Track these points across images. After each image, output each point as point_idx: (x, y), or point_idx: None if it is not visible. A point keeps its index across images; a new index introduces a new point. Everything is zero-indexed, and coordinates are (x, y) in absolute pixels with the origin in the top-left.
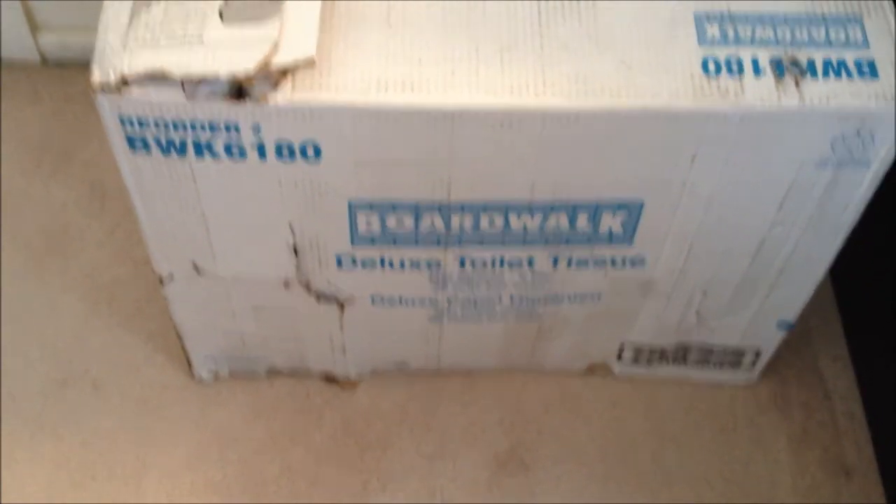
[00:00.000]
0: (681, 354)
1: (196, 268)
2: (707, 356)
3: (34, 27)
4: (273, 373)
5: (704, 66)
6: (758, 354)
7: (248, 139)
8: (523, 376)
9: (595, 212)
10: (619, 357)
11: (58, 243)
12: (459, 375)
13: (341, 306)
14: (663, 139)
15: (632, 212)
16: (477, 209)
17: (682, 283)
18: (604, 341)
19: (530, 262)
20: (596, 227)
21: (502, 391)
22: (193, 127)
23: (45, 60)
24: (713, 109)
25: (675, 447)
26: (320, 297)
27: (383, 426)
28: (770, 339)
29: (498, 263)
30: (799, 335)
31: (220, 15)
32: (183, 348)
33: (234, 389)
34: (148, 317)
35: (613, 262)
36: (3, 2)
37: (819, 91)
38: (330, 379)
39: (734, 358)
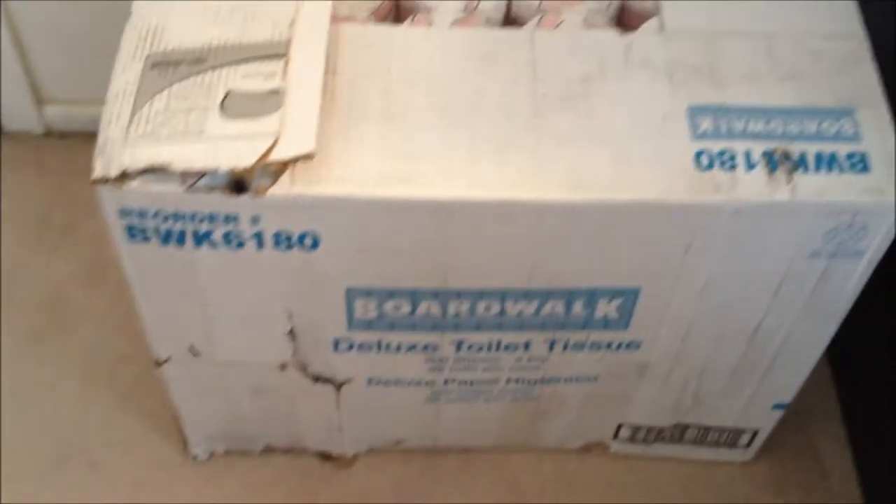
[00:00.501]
0: (678, 434)
1: (193, 351)
2: (704, 435)
3: (39, 99)
4: (269, 450)
5: (697, 159)
6: (755, 434)
7: (246, 230)
8: (520, 455)
9: (591, 298)
10: (616, 436)
11: (58, 318)
12: (457, 453)
13: (338, 388)
14: (658, 231)
15: (628, 298)
16: (474, 296)
17: (678, 366)
18: (601, 421)
19: (527, 346)
20: (592, 312)
21: (499, 470)
22: (193, 218)
23: (49, 132)
24: (706, 203)
25: None
26: (317, 379)
27: None
28: (766, 420)
29: (494, 347)
30: (796, 413)
31: (222, 108)
32: (179, 427)
33: (230, 467)
34: (146, 393)
35: (609, 346)
36: (8, 74)
37: (811, 185)
38: (326, 457)
39: (731, 437)
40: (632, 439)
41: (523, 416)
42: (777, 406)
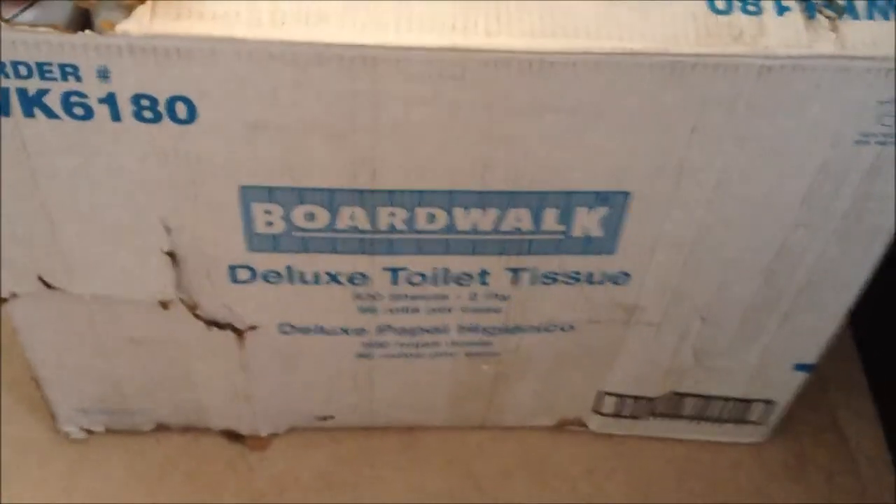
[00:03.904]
0: (673, 406)
1: (44, 283)
2: (705, 408)
3: None
4: (162, 429)
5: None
6: (769, 406)
7: (93, 89)
8: (478, 434)
9: (567, 206)
10: (597, 410)
11: None
12: (398, 432)
13: (241, 337)
14: (655, 100)
15: (614, 207)
16: (411, 201)
17: (676, 307)
18: (577, 388)
19: (483, 277)
20: (568, 227)
21: (452, 453)
22: (17, 70)
23: None
24: (722, 56)
25: None
26: (212, 323)
27: (301, 497)
28: (785, 386)
29: (441, 278)
30: (814, 384)
31: None
32: (43, 397)
33: (111, 449)
34: (9, 359)
35: (590, 279)
36: None
37: (862, 36)
38: (234, 436)
39: (739, 411)
40: (617, 414)
41: (480, 380)
42: (799, 367)
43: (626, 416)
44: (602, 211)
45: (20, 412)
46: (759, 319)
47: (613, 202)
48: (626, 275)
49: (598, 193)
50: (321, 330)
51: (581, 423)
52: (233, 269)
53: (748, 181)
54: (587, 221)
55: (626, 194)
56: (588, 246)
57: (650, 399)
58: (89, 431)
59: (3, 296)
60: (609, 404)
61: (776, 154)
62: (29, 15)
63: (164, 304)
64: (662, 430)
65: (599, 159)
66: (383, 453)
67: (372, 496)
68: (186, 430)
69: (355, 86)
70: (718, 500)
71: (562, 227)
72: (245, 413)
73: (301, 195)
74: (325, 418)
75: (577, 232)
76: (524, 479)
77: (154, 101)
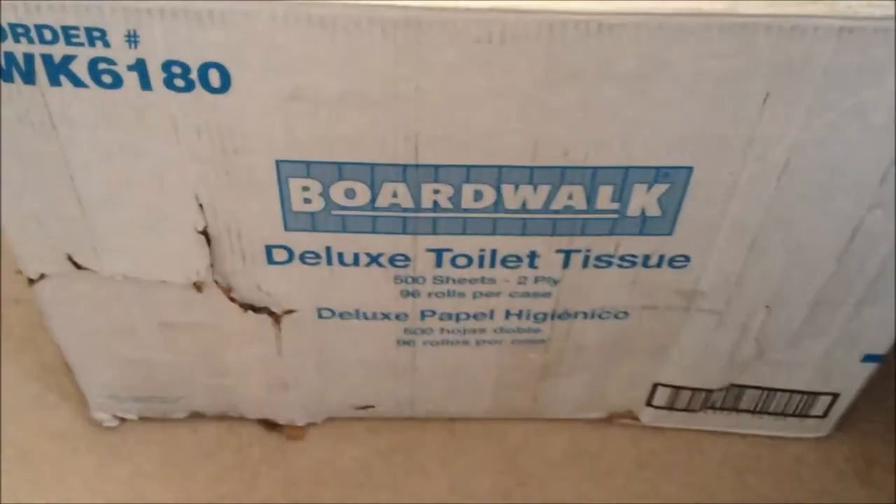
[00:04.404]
0: (731, 399)
1: (73, 263)
2: (766, 401)
3: None
4: (196, 417)
5: None
6: (834, 399)
7: (122, 55)
8: (524, 426)
9: (623, 183)
10: (650, 402)
11: None
12: (441, 424)
13: (277, 321)
14: (723, 66)
15: (675, 184)
16: (457, 177)
17: (740, 294)
18: (630, 379)
19: (532, 260)
20: (624, 206)
21: (496, 446)
22: (41, 34)
23: None
24: (798, 16)
25: None
26: (247, 307)
27: (339, 489)
28: (852, 379)
29: (488, 261)
30: (881, 377)
31: None
32: (75, 384)
33: (144, 438)
34: (41, 346)
35: (646, 262)
36: None
37: None
38: (270, 426)
39: (803, 404)
40: (671, 406)
41: (527, 370)
42: (867, 358)
43: (680, 409)
44: (661, 188)
45: (52, 400)
46: (829, 309)
47: (674, 178)
48: (686, 258)
49: (657, 169)
50: (361, 314)
51: (633, 416)
52: (269, 249)
53: (822, 157)
54: (644, 199)
55: (688, 170)
56: (644, 226)
57: (707, 391)
58: (122, 419)
59: (32, 277)
60: (663, 396)
61: (854, 127)
62: None
63: (198, 287)
64: (719, 424)
65: (660, 131)
66: (424, 445)
67: (412, 490)
68: (221, 418)
69: (397, 51)
70: (780, 499)
71: (616, 206)
72: (281, 401)
73: (340, 170)
74: (364, 408)
75: (632, 211)
76: (572, 475)
77: (186, 67)
